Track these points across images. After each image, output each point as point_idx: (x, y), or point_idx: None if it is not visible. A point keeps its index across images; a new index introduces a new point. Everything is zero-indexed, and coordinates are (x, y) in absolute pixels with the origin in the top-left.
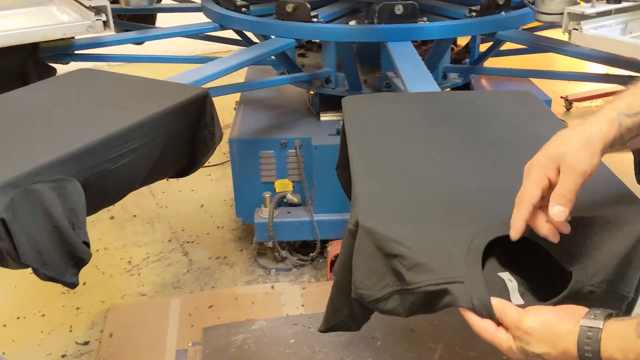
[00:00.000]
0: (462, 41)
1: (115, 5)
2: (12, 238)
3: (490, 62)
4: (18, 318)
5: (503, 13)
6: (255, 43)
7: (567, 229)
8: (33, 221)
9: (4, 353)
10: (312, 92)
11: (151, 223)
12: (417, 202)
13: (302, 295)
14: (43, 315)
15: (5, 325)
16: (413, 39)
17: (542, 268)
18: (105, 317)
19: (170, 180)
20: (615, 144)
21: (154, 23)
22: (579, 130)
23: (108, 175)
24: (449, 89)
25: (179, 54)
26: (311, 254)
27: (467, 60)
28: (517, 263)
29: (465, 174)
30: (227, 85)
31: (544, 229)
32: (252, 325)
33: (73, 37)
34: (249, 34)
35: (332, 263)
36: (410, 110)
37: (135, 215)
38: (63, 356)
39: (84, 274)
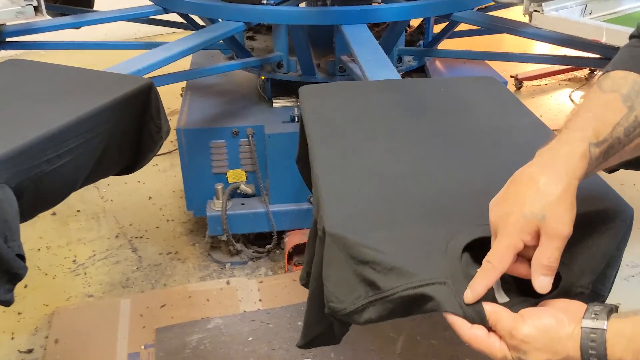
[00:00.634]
0: (416, 22)
1: None
2: None
3: (445, 44)
4: None
5: None
6: (202, 26)
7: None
8: None
9: None
10: (263, 77)
11: (96, 218)
12: (388, 204)
13: (259, 290)
14: None
15: None
16: (368, 21)
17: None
18: (49, 321)
19: None
20: (583, 179)
21: (91, 6)
22: (554, 174)
23: (45, 178)
24: (404, 72)
25: (120, 37)
26: (268, 246)
27: (421, 42)
28: None
29: (438, 171)
30: (173, 74)
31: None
32: (207, 323)
33: (4, 24)
34: (195, 17)
35: (290, 255)
36: (374, 101)
37: (79, 211)
38: None
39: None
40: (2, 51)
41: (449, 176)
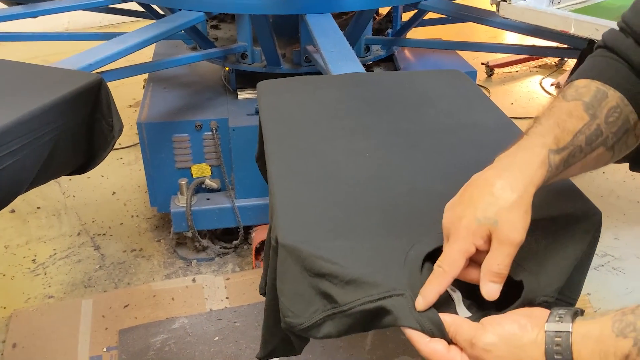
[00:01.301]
0: (384, 10)
1: None
2: None
3: (414, 33)
4: None
5: None
6: (163, 16)
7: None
8: None
9: None
10: (227, 68)
11: (57, 215)
12: (346, 211)
13: (225, 287)
14: None
15: None
16: (333, 10)
17: None
18: (7, 325)
19: None
20: (542, 186)
21: None
22: (510, 179)
23: None
24: (371, 62)
25: (83, 26)
26: (234, 242)
27: (389, 31)
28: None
29: (399, 174)
30: (131, 67)
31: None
32: (172, 323)
33: None
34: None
35: (257, 250)
36: (334, 97)
37: (39, 207)
38: None
39: None
40: None
41: (410, 180)
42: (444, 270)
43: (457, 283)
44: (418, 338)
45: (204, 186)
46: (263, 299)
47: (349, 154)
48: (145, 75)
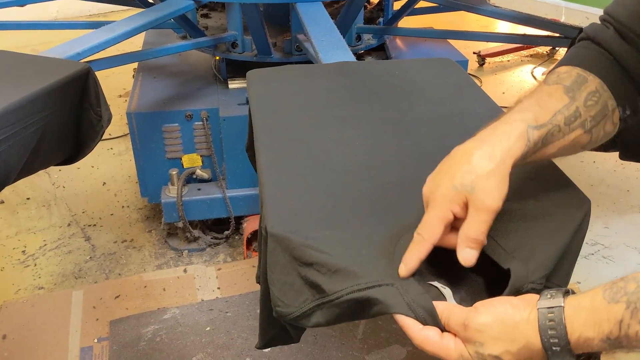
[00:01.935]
0: None
1: None
2: None
3: (406, 21)
4: None
5: None
6: (152, 4)
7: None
8: None
9: None
10: (217, 58)
11: (47, 206)
12: (335, 200)
13: (217, 277)
14: None
15: None
16: None
17: (478, 269)
18: None
19: None
20: (521, 161)
21: None
22: (487, 150)
23: None
24: (363, 51)
25: (72, 15)
26: (226, 232)
27: (380, 19)
28: (450, 265)
29: (389, 163)
30: (119, 55)
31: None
32: (163, 314)
33: None
34: None
35: (249, 240)
36: (324, 86)
37: (28, 198)
38: None
39: None
40: None
41: (400, 169)
42: (422, 237)
43: (448, 280)
44: (411, 325)
45: (194, 176)
46: (255, 289)
47: (339, 143)
48: (135, 65)
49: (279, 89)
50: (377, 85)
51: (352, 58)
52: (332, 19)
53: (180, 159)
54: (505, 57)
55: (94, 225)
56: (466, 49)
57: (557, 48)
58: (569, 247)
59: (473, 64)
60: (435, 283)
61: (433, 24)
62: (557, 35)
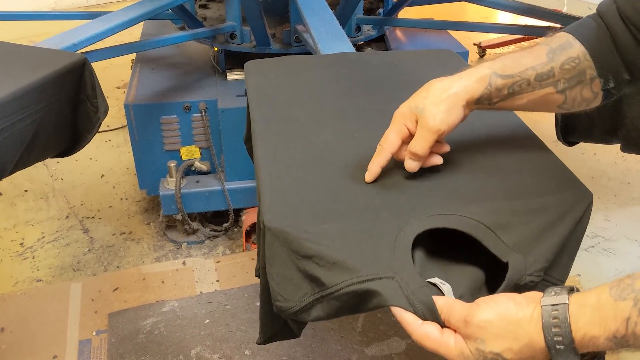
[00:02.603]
0: None
1: None
2: None
3: (406, 12)
4: None
5: None
6: None
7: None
8: None
9: None
10: (216, 49)
11: (45, 198)
12: (334, 193)
13: (216, 270)
14: None
15: None
16: None
17: (479, 264)
18: None
19: None
20: (482, 102)
21: None
22: (446, 83)
23: None
24: (362, 42)
25: (70, 5)
26: (225, 225)
27: (380, 10)
28: (450, 260)
29: None
30: (117, 46)
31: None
32: (162, 307)
33: None
34: None
35: (248, 233)
36: (323, 77)
37: (26, 190)
38: None
39: None
40: None
41: (399, 161)
42: (382, 147)
43: (448, 276)
44: (410, 320)
45: (193, 168)
46: (254, 282)
47: (338, 136)
48: (134, 56)
49: (277, 81)
50: (377, 77)
51: (352, 49)
52: (332, 9)
53: (179, 151)
54: (506, 49)
55: (93, 217)
56: (466, 40)
57: None
58: (569, 240)
59: (473, 55)
60: (436, 279)
61: (433, 15)
62: (559, 26)
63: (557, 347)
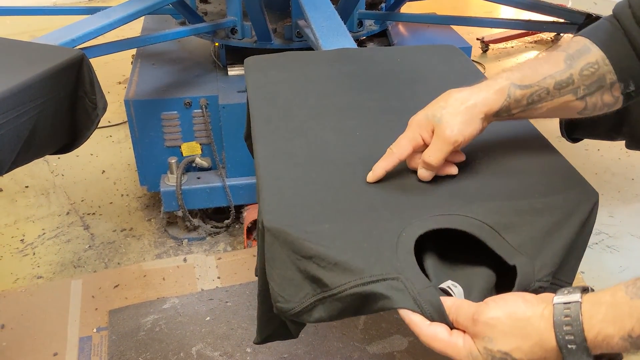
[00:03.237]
0: None
1: None
2: None
3: (408, 7)
4: None
5: None
6: None
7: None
8: None
9: None
10: (217, 44)
11: (46, 194)
12: (335, 192)
13: (217, 267)
14: None
15: None
16: None
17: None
18: None
19: None
20: (501, 114)
21: None
22: (465, 94)
23: None
24: (365, 37)
25: (72, 0)
26: (226, 221)
27: (383, 5)
28: (460, 261)
29: None
30: (116, 42)
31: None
32: (163, 304)
33: None
34: None
35: (249, 229)
36: (323, 73)
37: (27, 186)
38: None
39: None
40: None
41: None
42: (392, 152)
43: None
44: (418, 321)
45: (194, 165)
46: (255, 278)
47: (338, 133)
48: (134, 52)
49: (277, 77)
50: (379, 73)
51: (353, 44)
52: (333, 4)
53: (180, 147)
54: (509, 44)
55: (93, 213)
56: (469, 35)
57: (561, 34)
58: (575, 242)
59: (476, 51)
60: (448, 283)
61: (436, 10)
62: (563, 21)
63: (569, 346)
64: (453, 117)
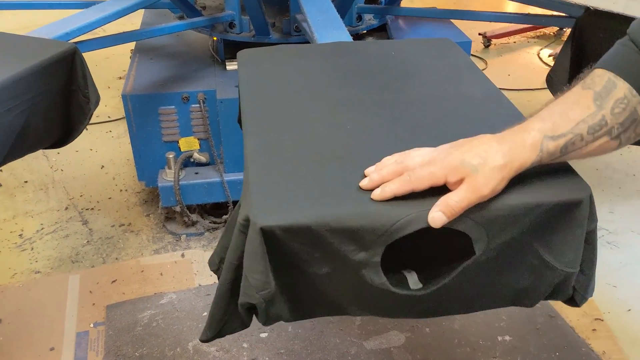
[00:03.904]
0: None
1: None
2: None
3: (407, 1)
4: None
5: None
6: None
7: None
8: None
9: None
10: (215, 38)
11: (45, 189)
12: (324, 189)
13: None
14: None
15: None
16: None
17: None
18: None
19: None
20: (535, 165)
21: None
22: (505, 149)
23: None
24: (364, 32)
25: None
26: (224, 216)
27: None
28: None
29: (383, 148)
30: (113, 36)
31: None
32: (160, 299)
33: None
34: None
35: None
36: (317, 67)
37: (26, 181)
38: None
39: None
40: None
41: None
42: (409, 180)
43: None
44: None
45: (192, 160)
46: None
47: (330, 127)
48: (132, 46)
49: (270, 70)
50: (372, 67)
51: (349, 38)
52: None
53: (177, 142)
54: (511, 39)
55: (92, 209)
56: (472, 29)
57: (564, 29)
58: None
59: (478, 46)
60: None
61: (437, 4)
62: (564, 14)
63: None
64: (490, 170)
